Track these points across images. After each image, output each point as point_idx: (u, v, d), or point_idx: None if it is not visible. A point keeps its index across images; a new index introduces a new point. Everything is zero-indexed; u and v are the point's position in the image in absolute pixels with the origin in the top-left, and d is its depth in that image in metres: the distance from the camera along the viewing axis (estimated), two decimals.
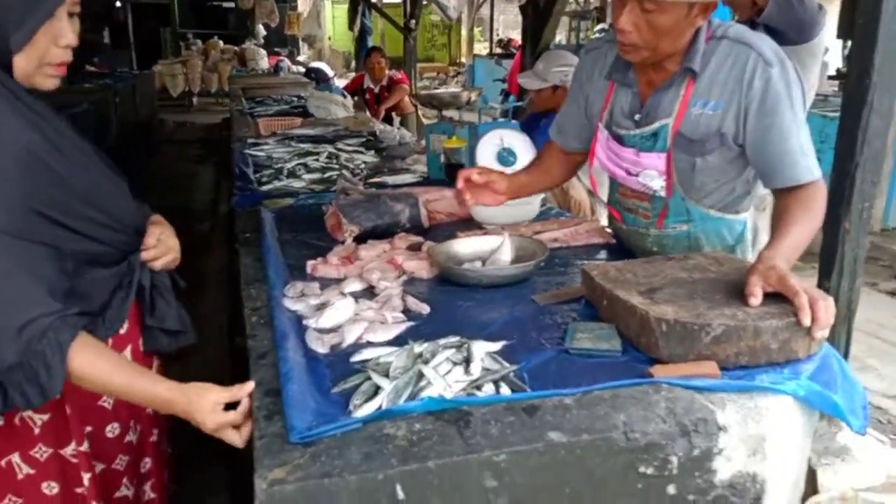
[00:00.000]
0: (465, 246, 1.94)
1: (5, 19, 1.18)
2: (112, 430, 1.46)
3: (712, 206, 1.84)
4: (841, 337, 2.22)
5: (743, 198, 1.88)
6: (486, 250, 1.91)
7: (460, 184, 1.89)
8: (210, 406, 1.22)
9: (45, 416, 1.32)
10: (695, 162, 1.74)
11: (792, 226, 1.55)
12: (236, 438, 1.24)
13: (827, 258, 2.17)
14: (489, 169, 2.02)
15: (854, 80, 2.03)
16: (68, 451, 1.35)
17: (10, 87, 1.19)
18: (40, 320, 1.14)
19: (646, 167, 1.78)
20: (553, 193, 3.49)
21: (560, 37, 17.57)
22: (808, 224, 1.58)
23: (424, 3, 2.37)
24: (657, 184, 1.79)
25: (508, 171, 2.56)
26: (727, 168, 1.77)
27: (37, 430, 1.32)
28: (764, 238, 1.89)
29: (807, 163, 1.65)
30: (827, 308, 1.28)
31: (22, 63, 1.23)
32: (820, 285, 2.20)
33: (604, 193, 2.12)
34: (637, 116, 1.78)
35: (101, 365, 1.22)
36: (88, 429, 1.40)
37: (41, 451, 1.33)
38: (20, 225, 1.15)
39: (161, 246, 1.49)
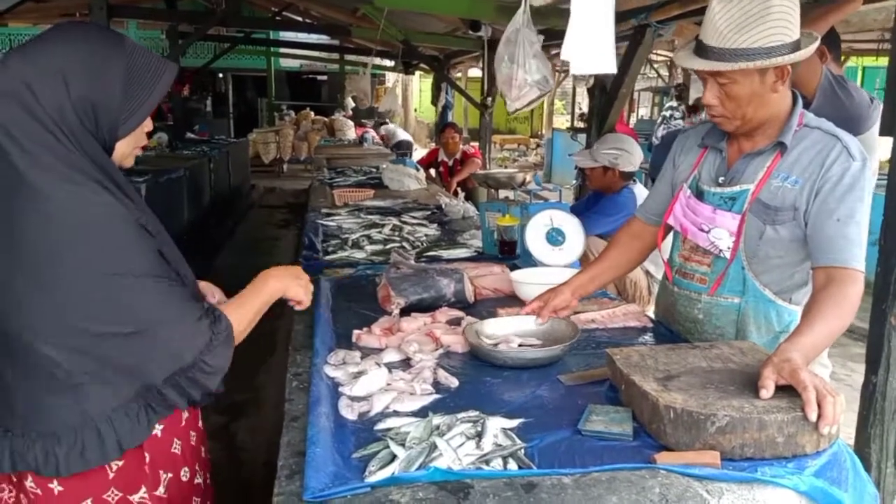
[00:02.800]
0: (501, 326, 2.02)
1: (119, 114, 1.39)
2: (185, 474, 1.56)
3: (768, 284, 1.89)
4: (890, 434, 2.16)
5: (800, 287, 1.91)
6: (522, 331, 1.98)
7: (534, 312, 2.03)
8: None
9: (121, 463, 1.41)
10: (764, 230, 1.83)
11: (819, 321, 1.57)
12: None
13: (874, 354, 2.13)
14: (548, 300, 2.04)
15: None
16: (136, 497, 1.45)
17: (109, 171, 1.39)
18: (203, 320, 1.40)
19: (718, 225, 1.88)
20: None
21: (644, 110, 17.71)
22: (835, 321, 1.60)
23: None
24: (725, 244, 1.88)
25: (558, 252, 2.67)
26: (792, 247, 1.84)
27: (111, 475, 1.42)
28: None
29: (856, 252, 1.71)
30: (834, 404, 1.30)
31: (123, 147, 1.44)
32: (866, 381, 2.17)
33: (666, 251, 2.18)
34: (721, 179, 1.91)
35: (244, 316, 1.50)
36: (169, 475, 1.51)
37: (113, 495, 1.43)
38: (160, 268, 1.37)
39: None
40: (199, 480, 1.61)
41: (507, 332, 1.98)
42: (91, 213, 1.29)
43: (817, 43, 1.74)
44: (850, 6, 2.48)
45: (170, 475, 1.49)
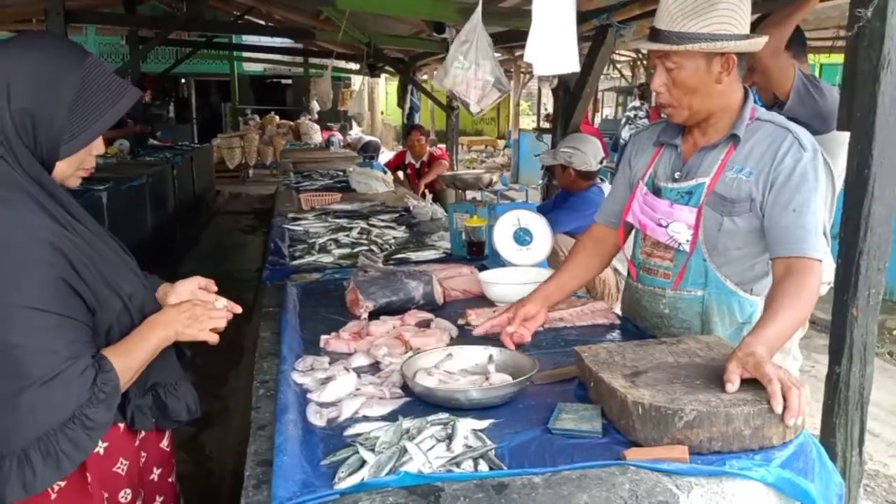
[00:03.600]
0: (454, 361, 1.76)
1: (59, 134, 1.34)
2: (125, 495, 1.52)
3: (730, 276, 1.91)
4: (854, 424, 2.20)
5: (760, 278, 1.93)
6: (474, 365, 1.76)
7: (506, 341, 1.88)
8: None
9: (63, 483, 1.37)
10: (722, 221, 1.86)
11: (780, 313, 1.59)
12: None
13: (836, 344, 2.17)
14: (516, 309, 1.96)
15: (854, 171, 2.08)
16: None
17: (44, 183, 1.34)
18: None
19: (676, 219, 1.91)
20: None
21: (608, 110, 17.90)
22: (796, 313, 1.62)
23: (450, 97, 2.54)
24: (683, 237, 1.90)
25: (526, 252, 2.67)
26: (750, 238, 1.87)
27: (53, 496, 1.38)
28: None
29: (814, 241, 1.74)
30: (799, 395, 1.31)
31: (62, 167, 1.39)
32: (830, 371, 2.21)
33: (628, 250, 2.20)
34: (677, 174, 1.94)
35: (129, 366, 1.37)
36: (105, 494, 1.47)
37: None
38: (52, 301, 1.27)
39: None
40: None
41: (461, 365, 1.76)
42: None
43: (765, 39, 1.81)
44: (810, 4, 2.53)
45: (106, 494, 1.45)
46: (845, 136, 2.51)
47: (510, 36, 4.73)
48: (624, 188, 2.13)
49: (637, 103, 7.87)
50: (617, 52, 11.05)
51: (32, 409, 1.23)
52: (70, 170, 1.41)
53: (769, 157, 1.81)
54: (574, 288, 2.16)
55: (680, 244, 1.92)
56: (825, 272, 1.83)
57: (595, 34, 3.99)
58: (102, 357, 1.32)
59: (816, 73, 12.52)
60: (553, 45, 1.79)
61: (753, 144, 1.84)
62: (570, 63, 1.79)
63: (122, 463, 1.46)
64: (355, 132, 12.66)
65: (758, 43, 1.78)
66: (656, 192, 1.97)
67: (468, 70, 2.43)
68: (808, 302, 1.65)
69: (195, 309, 1.50)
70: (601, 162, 3.70)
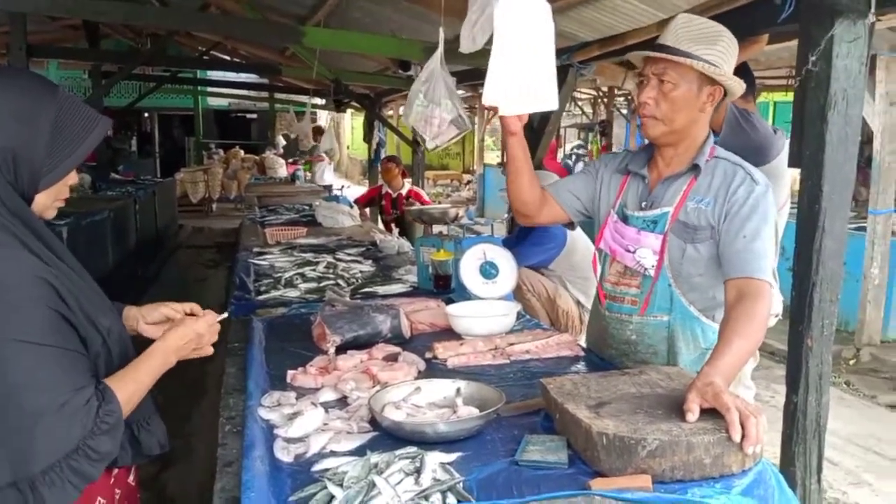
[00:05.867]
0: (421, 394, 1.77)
1: (40, 167, 1.35)
2: None
3: (693, 301, 2.00)
4: (812, 452, 2.26)
5: (722, 306, 1.99)
6: (441, 398, 1.77)
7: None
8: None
9: None
10: (685, 248, 1.96)
11: (735, 340, 1.65)
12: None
13: (793, 374, 2.24)
14: None
15: (805, 206, 2.17)
16: None
17: (26, 219, 1.34)
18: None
19: (643, 245, 2.01)
20: (541, 302, 3.61)
21: (571, 146, 18.22)
22: (750, 338, 1.69)
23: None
24: (649, 262, 2.00)
25: (492, 285, 2.71)
26: (711, 265, 1.96)
27: None
28: None
29: (763, 264, 1.83)
30: (757, 424, 1.35)
31: (42, 200, 1.40)
32: (788, 401, 2.27)
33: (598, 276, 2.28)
34: (644, 203, 2.05)
35: (130, 391, 1.37)
36: None
37: None
38: (49, 334, 1.26)
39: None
40: None
41: (429, 399, 1.77)
42: None
43: (744, 85, 1.96)
44: (752, 48, 2.66)
45: None
46: (782, 168, 2.62)
47: (475, 74, 4.83)
48: (581, 181, 2.23)
49: (580, 142, 8.19)
50: (579, 89, 11.32)
51: (37, 442, 1.21)
52: (49, 201, 1.41)
53: (724, 188, 1.93)
54: (522, 165, 2.12)
55: (646, 269, 2.01)
56: (774, 304, 1.91)
57: (557, 74, 4.10)
58: (106, 387, 1.31)
59: (770, 112, 12.91)
60: (525, 85, 1.84)
61: (711, 178, 1.96)
62: (549, 101, 1.85)
63: (99, 502, 1.43)
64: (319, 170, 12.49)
65: (741, 86, 1.93)
66: (624, 219, 2.08)
67: (426, 108, 2.52)
68: (759, 329, 1.72)
69: (193, 334, 1.54)
70: None
